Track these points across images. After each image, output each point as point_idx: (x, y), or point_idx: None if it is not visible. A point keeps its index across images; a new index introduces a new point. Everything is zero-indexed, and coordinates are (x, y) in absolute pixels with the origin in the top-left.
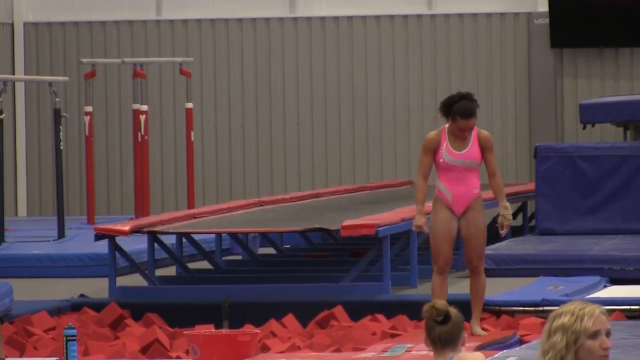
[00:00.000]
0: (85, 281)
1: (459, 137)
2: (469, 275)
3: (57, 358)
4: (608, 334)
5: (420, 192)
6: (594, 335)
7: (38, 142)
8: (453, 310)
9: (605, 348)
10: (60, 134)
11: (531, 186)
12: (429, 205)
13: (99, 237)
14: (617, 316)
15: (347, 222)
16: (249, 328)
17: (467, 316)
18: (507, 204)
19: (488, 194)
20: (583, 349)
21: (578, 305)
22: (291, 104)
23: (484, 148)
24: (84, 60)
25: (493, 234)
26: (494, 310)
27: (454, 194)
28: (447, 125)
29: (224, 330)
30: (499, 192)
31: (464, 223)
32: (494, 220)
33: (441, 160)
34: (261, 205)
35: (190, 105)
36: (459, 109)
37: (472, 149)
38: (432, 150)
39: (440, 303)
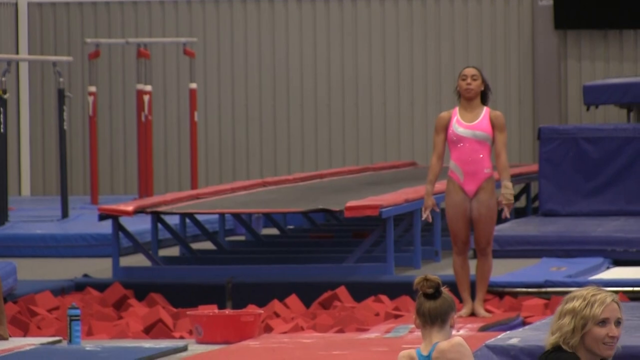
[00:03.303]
0: (88, 261)
1: (465, 95)
2: (475, 256)
3: (61, 338)
4: (618, 323)
5: (431, 172)
6: (603, 322)
7: (42, 122)
8: (445, 291)
9: (611, 337)
10: (64, 114)
11: (535, 167)
12: (439, 186)
13: (102, 217)
14: (620, 298)
15: (350, 203)
16: (252, 308)
17: (470, 299)
18: (509, 184)
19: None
20: (590, 334)
21: (591, 291)
22: (295, 85)
23: (495, 126)
24: (88, 40)
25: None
26: (497, 291)
27: (464, 173)
28: (458, 106)
29: (227, 311)
30: (502, 171)
31: (475, 204)
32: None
33: (451, 133)
34: (264, 186)
35: (194, 85)
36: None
37: (482, 121)
38: (443, 127)
39: (433, 276)
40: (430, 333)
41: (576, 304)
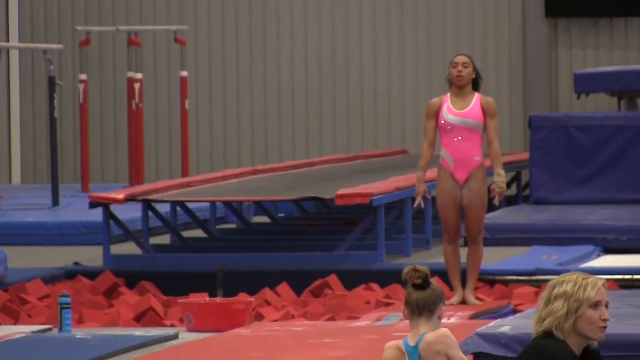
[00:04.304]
0: (79, 249)
1: (457, 83)
2: (466, 244)
3: (52, 326)
4: (607, 306)
5: (422, 159)
6: (596, 305)
7: (32, 110)
8: (434, 283)
9: (605, 319)
10: (55, 102)
11: (526, 156)
12: (431, 174)
13: (93, 205)
14: (611, 286)
15: (341, 192)
16: (243, 297)
17: (461, 287)
18: (502, 171)
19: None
20: (583, 318)
21: (580, 275)
22: (286, 73)
23: (486, 113)
24: (79, 28)
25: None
26: (488, 279)
27: (455, 161)
28: (449, 93)
29: (219, 299)
30: (495, 159)
31: (466, 192)
32: (488, 189)
33: (442, 121)
34: (255, 174)
35: (185, 73)
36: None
37: (473, 108)
38: (434, 114)
39: (422, 267)
40: (418, 324)
41: (567, 287)
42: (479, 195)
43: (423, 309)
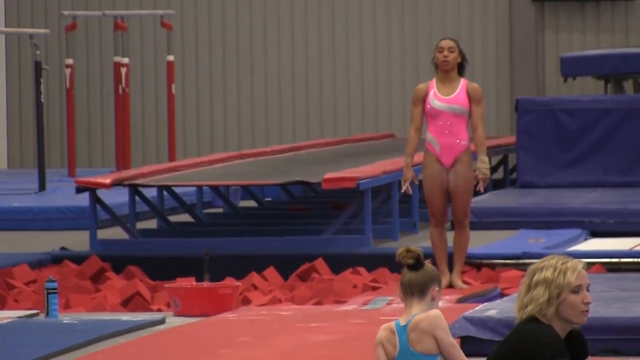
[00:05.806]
0: (66, 234)
1: (442, 67)
2: (453, 227)
3: (38, 311)
4: (588, 288)
5: (409, 144)
6: (577, 289)
7: (19, 94)
8: (429, 264)
9: (587, 303)
10: (41, 86)
11: (512, 139)
12: (417, 158)
13: (80, 189)
14: (598, 269)
15: (328, 175)
16: (230, 281)
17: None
18: (485, 158)
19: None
20: (565, 303)
21: (560, 260)
22: (273, 57)
23: (472, 99)
24: (65, 12)
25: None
26: (475, 263)
27: (441, 145)
28: (435, 78)
29: (205, 283)
30: (479, 145)
31: (452, 176)
32: None
33: (428, 106)
34: (242, 158)
35: (171, 57)
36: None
37: (459, 94)
38: (420, 99)
39: (414, 248)
40: (410, 304)
41: (547, 273)
42: (465, 178)
43: (414, 289)
